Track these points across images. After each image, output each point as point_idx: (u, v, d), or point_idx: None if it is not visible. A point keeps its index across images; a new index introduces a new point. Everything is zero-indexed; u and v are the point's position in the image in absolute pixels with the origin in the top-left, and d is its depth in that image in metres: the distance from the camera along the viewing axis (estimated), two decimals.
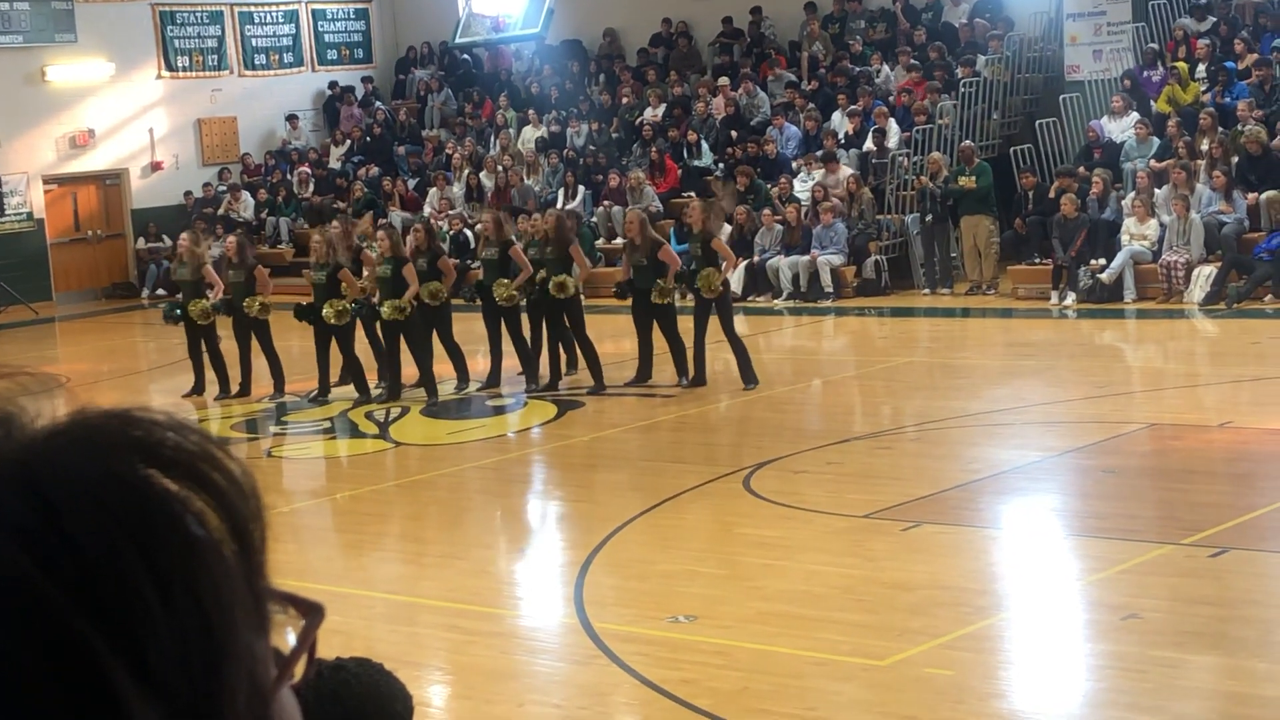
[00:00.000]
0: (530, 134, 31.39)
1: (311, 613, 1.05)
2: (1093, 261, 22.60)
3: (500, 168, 30.09)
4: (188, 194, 32.93)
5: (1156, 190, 22.97)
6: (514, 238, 19.47)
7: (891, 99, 27.66)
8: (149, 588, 0.94)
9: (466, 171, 30.52)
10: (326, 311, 17.95)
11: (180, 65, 33.39)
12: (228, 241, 20.03)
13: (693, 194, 19.72)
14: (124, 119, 32.56)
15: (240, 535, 1.00)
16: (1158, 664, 8.71)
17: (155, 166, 33.07)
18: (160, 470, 0.98)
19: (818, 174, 26.02)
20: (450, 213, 29.40)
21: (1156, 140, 24.14)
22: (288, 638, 1.04)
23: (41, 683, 0.92)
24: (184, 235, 19.92)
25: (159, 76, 33.15)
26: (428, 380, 18.05)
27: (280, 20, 34.88)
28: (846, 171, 25.90)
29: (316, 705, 2.59)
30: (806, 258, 24.82)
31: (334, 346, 18.22)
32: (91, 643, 0.92)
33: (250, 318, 18.74)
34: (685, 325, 17.57)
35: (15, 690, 0.91)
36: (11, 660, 0.91)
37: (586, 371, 18.07)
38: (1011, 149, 26.05)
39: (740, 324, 23.47)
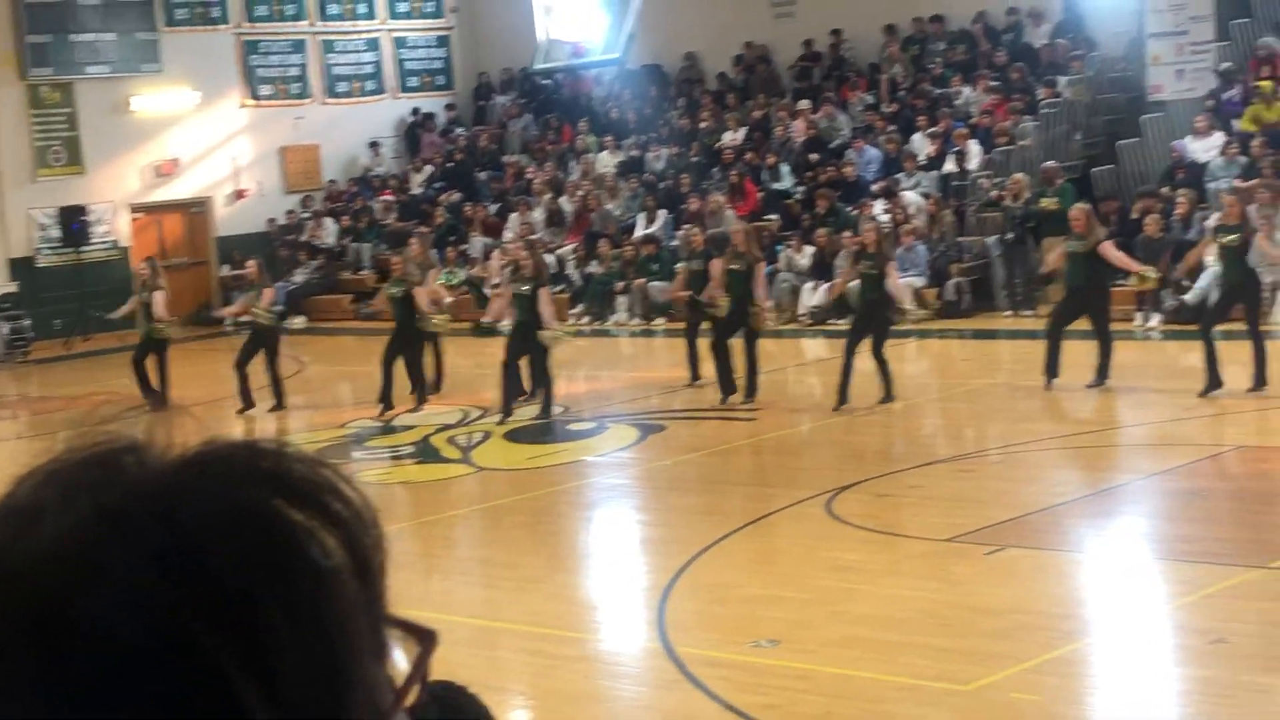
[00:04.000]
0: (608, 159, 31.47)
1: (426, 639, 1.08)
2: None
3: (580, 192, 30.18)
4: (271, 221, 33.21)
5: None
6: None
7: (972, 120, 27.55)
8: (278, 615, 0.98)
9: (547, 196, 30.63)
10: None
11: (263, 93, 33.69)
12: (138, 267, 22.34)
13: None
14: (208, 147, 32.88)
15: (362, 565, 1.04)
16: (1247, 689, 8.62)
17: (239, 194, 33.36)
18: (287, 501, 1.02)
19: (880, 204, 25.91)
20: (530, 238, 29.50)
21: (1243, 159, 23.92)
22: (397, 662, 1.07)
23: (175, 701, 0.96)
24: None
25: (242, 105, 33.47)
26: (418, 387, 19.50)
27: (362, 48, 35.14)
28: (911, 197, 25.84)
29: None
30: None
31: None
32: (225, 666, 0.96)
33: (155, 339, 20.82)
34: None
35: (152, 708, 0.96)
36: (150, 682, 0.96)
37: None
38: (1093, 170, 25.89)
39: (820, 347, 23.46)
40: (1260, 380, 16.87)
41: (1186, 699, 8.81)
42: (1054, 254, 18.59)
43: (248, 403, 20.06)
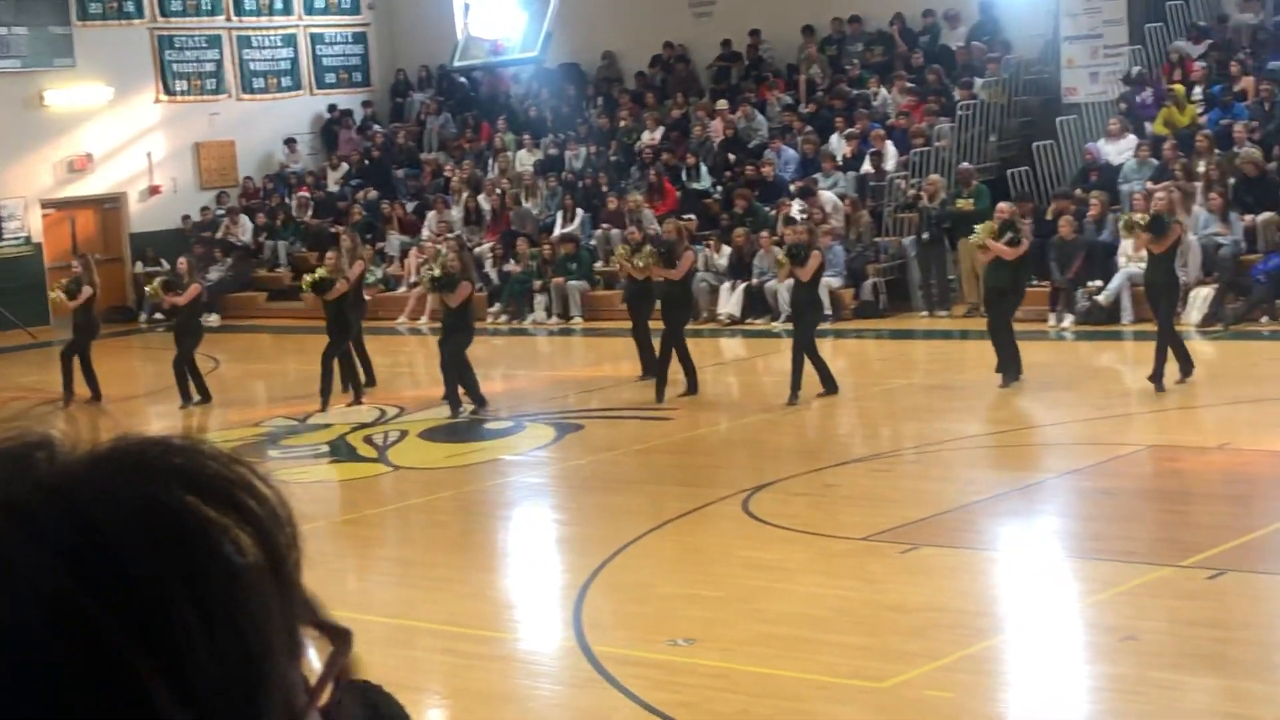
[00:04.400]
0: (526, 158, 31.42)
1: (340, 638, 1.07)
2: (1090, 283, 22.62)
3: (498, 191, 30.13)
4: (185, 218, 32.95)
5: None
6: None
7: (889, 121, 27.70)
8: (191, 613, 0.96)
9: (465, 195, 30.54)
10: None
11: (178, 89, 33.42)
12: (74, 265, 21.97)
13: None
14: (122, 143, 32.60)
15: (276, 562, 1.02)
16: (1156, 686, 8.71)
17: (153, 190, 33.08)
18: (201, 498, 1.01)
19: (797, 204, 26.00)
20: (449, 235, 29.43)
21: (1155, 162, 24.17)
22: (311, 660, 1.06)
23: (86, 702, 0.94)
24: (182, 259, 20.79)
25: (157, 100, 33.19)
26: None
27: (278, 44, 34.92)
28: (828, 197, 25.94)
29: None
30: None
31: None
32: (135, 664, 0.94)
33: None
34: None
35: (61, 708, 0.94)
36: (57, 680, 0.94)
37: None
38: (1009, 171, 26.09)
39: (738, 346, 23.54)
40: (1158, 376, 17.08)
41: (1097, 695, 8.90)
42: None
43: (205, 394, 20.14)
